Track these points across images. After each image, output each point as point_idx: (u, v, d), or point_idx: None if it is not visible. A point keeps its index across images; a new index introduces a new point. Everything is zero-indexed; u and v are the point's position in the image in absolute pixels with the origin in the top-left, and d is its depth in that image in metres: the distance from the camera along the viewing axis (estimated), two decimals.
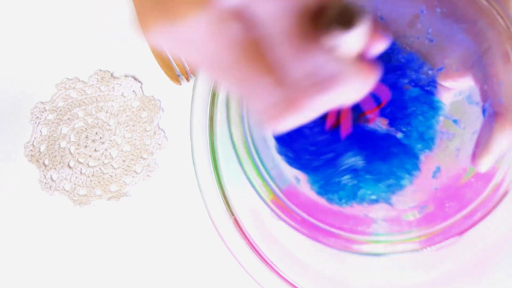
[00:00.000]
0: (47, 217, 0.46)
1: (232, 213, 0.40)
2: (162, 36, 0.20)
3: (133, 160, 0.46)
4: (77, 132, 0.46)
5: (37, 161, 0.46)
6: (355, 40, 0.20)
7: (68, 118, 0.47)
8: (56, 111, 0.47)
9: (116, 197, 0.46)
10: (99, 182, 0.46)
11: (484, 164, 0.30)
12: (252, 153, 0.33)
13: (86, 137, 0.46)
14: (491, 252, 0.42)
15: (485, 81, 0.29)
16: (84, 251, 0.45)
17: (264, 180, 0.33)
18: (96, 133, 0.46)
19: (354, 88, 0.21)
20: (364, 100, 0.28)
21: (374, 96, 0.30)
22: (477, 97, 0.31)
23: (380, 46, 0.22)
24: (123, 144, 0.46)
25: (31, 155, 0.46)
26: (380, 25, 0.23)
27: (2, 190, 0.46)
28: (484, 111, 0.30)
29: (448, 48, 0.32)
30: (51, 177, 0.46)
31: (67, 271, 0.45)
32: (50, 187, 0.46)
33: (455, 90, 0.32)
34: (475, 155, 0.30)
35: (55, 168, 0.46)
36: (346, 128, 0.30)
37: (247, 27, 0.20)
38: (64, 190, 0.46)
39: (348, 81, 0.21)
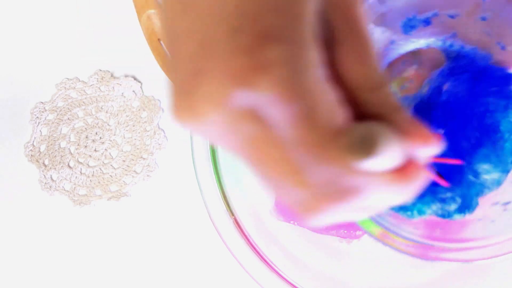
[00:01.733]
0: (47, 217, 0.46)
1: (232, 213, 0.40)
2: (190, 127, 0.20)
3: (133, 160, 0.46)
4: (77, 132, 0.46)
5: (37, 161, 0.46)
6: (382, 163, 0.18)
7: (68, 118, 0.47)
8: (56, 111, 0.47)
9: (116, 197, 0.46)
10: (99, 182, 0.46)
11: None
12: None
13: (86, 137, 0.46)
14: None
15: None
16: (84, 251, 0.45)
17: None
18: (96, 133, 0.46)
19: (386, 196, 0.20)
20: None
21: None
22: None
23: (430, 151, 0.20)
24: (123, 144, 0.46)
25: (31, 155, 0.46)
26: (431, 127, 0.21)
27: (2, 190, 0.46)
28: None
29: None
30: (51, 177, 0.46)
31: (67, 271, 0.45)
32: (50, 187, 0.46)
33: None
34: None
35: (55, 168, 0.46)
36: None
37: (265, 127, 0.19)
38: (64, 190, 0.46)
39: (375, 193, 0.19)
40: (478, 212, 0.32)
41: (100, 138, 0.46)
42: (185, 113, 0.19)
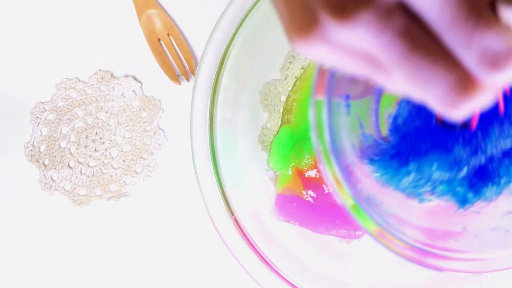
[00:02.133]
0: (47, 217, 0.46)
1: (232, 213, 0.40)
2: (316, 47, 0.19)
3: (133, 160, 0.46)
4: (77, 132, 0.46)
5: (37, 161, 0.46)
6: None
7: (68, 118, 0.47)
8: (56, 111, 0.47)
9: (116, 197, 0.46)
10: (99, 182, 0.46)
11: None
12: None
13: (86, 137, 0.46)
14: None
15: None
16: (84, 251, 0.45)
17: None
18: (96, 133, 0.46)
19: None
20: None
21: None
22: None
23: None
24: (123, 144, 0.46)
25: (31, 155, 0.46)
26: None
27: (2, 190, 0.46)
28: None
29: None
30: (51, 177, 0.46)
31: (67, 271, 0.45)
32: (50, 187, 0.46)
33: None
34: None
35: (55, 168, 0.46)
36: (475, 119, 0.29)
37: (413, 18, 0.19)
38: (64, 190, 0.46)
39: None
40: (490, 223, 0.32)
41: (100, 138, 0.46)
42: (327, 22, 0.19)
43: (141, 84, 0.47)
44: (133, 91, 0.47)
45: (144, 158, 0.46)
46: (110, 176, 0.46)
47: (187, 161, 0.43)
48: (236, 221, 0.40)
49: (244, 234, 0.40)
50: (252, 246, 0.40)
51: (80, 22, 0.47)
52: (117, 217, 0.45)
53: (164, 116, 0.46)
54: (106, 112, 0.47)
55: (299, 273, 0.41)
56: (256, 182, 0.43)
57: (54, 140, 0.46)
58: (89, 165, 0.46)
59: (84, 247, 0.45)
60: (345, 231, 0.42)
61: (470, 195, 0.32)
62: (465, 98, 0.20)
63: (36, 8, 0.48)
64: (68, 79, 0.47)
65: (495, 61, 0.19)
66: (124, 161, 0.46)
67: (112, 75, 0.47)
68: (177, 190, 0.45)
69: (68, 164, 0.46)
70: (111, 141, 0.46)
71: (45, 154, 0.46)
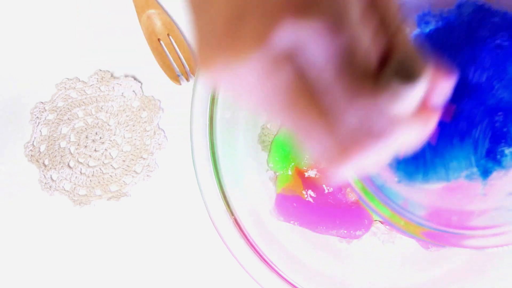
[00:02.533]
0: (47, 217, 0.46)
1: (232, 213, 0.40)
2: (219, 76, 0.20)
3: (133, 160, 0.46)
4: (77, 132, 0.46)
5: (37, 161, 0.46)
6: (417, 94, 0.19)
7: (68, 118, 0.47)
8: (56, 111, 0.47)
9: (116, 197, 0.46)
10: (99, 182, 0.46)
11: None
12: None
13: (86, 137, 0.46)
14: (491, 252, 0.42)
15: None
16: (84, 251, 0.45)
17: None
18: (96, 133, 0.46)
19: (410, 136, 0.21)
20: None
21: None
22: None
23: (445, 88, 0.21)
24: (123, 144, 0.46)
25: (31, 155, 0.46)
26: (442, 62, 0.22)
27: (2, 190, 0.46)
28: None
29: None
30: (51, 177, 0.46)
31: (67, 271, 0.45)
32: (50, 187, 0.46)
33: None
34: None
35: (55, 168, 0.46)
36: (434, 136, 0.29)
37: (300, 71, 0.19)
38: (64, 190, 0.46)
39: (404, 131, 0.20)
40: (494, 202, 0.32)
41: (100, 138, 0.46)
42: (218, 57, 0.19)
43: (141, 84, 0.47)
44: (133, 91, 0.47)
45: (144, 158, 0.46)
46: (110, 176, 0.46)
47: (187, 161, 0.43)
48: (236, 221, 0.40)
49: (244, 234, 0.40)
50: (252, 246, 0.40)
51: (80, 22, 0.47)
52: (117, 217, 0.45)
53: (164, 116, 0.46)
54: (106, 112, 0.47)
55: (299, 273, 0.41)
56: (256, 182, 0.43)
57: (54, 140, 0.46)
58: (89, 165, 0.46)
59: (84, 247, 0.45)
60: (345, 231, 0.42)
61: (490, 164, 0.32)
62: (339, 163, 0.20)
63: (36, 8, 0.48)
64: (68, 79, 0.47)
65: (373, 133, 0.20)
66: (124, 161, 0.46)
67: (112, 75, 0.47)
68: (177, 190, 0.45)
69: (68, 164, 0.46)
70: (111, 141, 0.46)
71: (45, 154, 0.46)
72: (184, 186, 0.45)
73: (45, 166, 0.46)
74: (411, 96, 0.19)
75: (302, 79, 0.20)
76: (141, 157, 0.46)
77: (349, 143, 0.20)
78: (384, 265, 0.43)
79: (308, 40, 0.19)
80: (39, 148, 0.46)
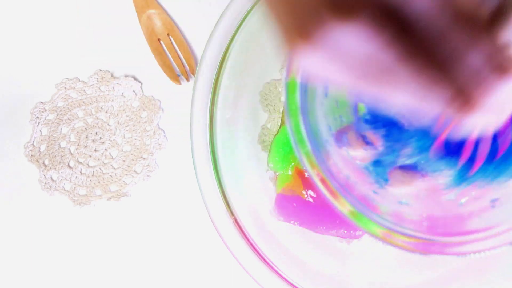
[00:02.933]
0: (47, 217, 0.46)
1: (232, 213, 0.40)
2: (313, 56, 0.19)
3: (133, 160, 0.46)
4: (77, 132, 0.46)
5: (37, 161, 0.46)
6: None
7: (68, 118, 0.47)
8: (56, 111, 0.47)
9: (116, 197, 0.46)
10: (99, 182, 0.46)
11: None
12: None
13: (86, 137, 0.46)
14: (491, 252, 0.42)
15: None
16: (84, 251, 0.45)
17: None
18: (96, 133, 0.46)
19: None
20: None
21: None
22: None
23: None
24: (123, 144, 0.46)
25: (31, 155, 0.46)
26: None
27: (2, 190, 0.46)
28: None
29: None
30: (51, 177, 0.46)
31: (67, 271, 0.45)
32: (50, 187, 0.46)
33: None
34: None
35: (55, 168, 0.46)
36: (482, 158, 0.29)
37: (406, 25, 0.19)
38: (64, 190, 0.46)
39: None
40: (477, 205, 0.32)
41: (100, 138, 0.46)
42: (324, 25, 0.18)
43: (141, 84, 0.47)
44: (133, 91, 0.47)
45: (144, 158, 0.46)
46: (110, 176, 0.46)
47: (187, 161, 0.43)
48: (236, 221, 0.40)
49: (244, 234, 0.40)
50: (252, 246, 0.40)
51: (80, 22, 0.47)
52: (117, 217, 0.45)
53: (164, 116, 0.46)
54: (106, 112, 0.47)
55: (299, 273, 0.41)
56: (256, 182, 0.43)
57: (54, 140, 0.46)
58: (89, 165, 0.46)
59: (84, 247, 0.45)
60: (345, 231, 0.42)
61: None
62: (466, 111, 0.20)
63: (36, 8, 0.48)
64: (68, 79, 0.47)
65: (503, 66, 0.19)
66: (124, 161, 0.46)
67: (112, 75, 0.47)
68: (177, 190, 0.45)
69: (68, 164, 0.46)
70: (111, 141, 0.46)
71: (45, 154, 0.46)
72: (184, 186, 0.45)
73: (45, 166, 0.46)
74: None
75: (413, 32, 0.19)
76: (141, 157, 0.46)
77: (476, 86, 0.19)
78: (384, 265, 0.43)
79: None
80: (39, 148, 0.46)
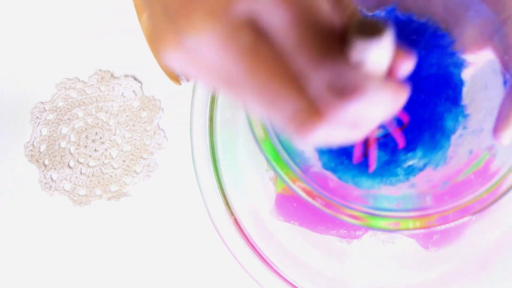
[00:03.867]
0: (47, 217, 0.46)
1: (232, 213, 0.40)
2: (174, 56, 0.20)
3: (133, 160, 0.46)
4: (77, 132, 0.46)
5: (37, 161, 0.46)
6: (380, 54, 0.19)
7: (68, 118, 0.47)
8: (56, 111, 0.47)
9: (116, 197, 0.46)
10: (99, 182, 0.46)
11: (507, 137, 0.29)
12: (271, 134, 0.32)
13: (86, 137, 0.46)
14: (491, 252, 0.42)
15: (505, 52, 0.29)
16: (84, 251, 0.45)
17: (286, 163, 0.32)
18: (96, 133, 0.46)
19: (381, 103, 0.20)
20: (388, 123, 0.27)
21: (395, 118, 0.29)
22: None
23: (407, 66, 0.21)
24: (123, 144, 0.46)
25: (31, 155, 0.46)
26: (403, 44, 0.21)
27: (2, 190, 0.46)
28: (505, 82, 0.29)
29: (465, 19, 0.30)
30: (51, 177, 0.46)
31: (67, 271, 0.45)
32: (50, 187, 0.46)
33: (475, 65, 0.31)
34: (497, 129, 0.29)
35: (55, 168, 0.46)
36: (373, 162, 0.29)
37: (262, 36, 0.19)
38: (64, 190, 0.46)
39: (374, 93, 0.20)
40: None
41: (100, 138, 0.46)
42: (171, 35, 0.19)
43: (141, 84, 0.47)
44: (133, 91, 0.47)
45: (144, 158, 0.46)
46: (110, 176, 0.46)
47: (187, 161, 0.43)
48: (236, 221, 0.40)
49: (244, 234, 0.40)
50: (252, 246, 0.40)
51: (80, 22, 0.47)
52: (117, 217, 0.45)
53: (164, 116, 0.46)
54: (106, 112, 0.47)
55: (299, 273, 0.41)
56: (256, 182, 0.43)
57: (54, 140, 0.46)
58: (89, 165, 0.46)
59: (84, 247, 0.45)
60: (345, 231, 0.42)
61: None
62: (311, 123, 0.20)
63: (36, 8, 0.48)
64: (68, 79, 0.47)
65: (341, 93, 0.19)
66: (124, 161, 0.46)
67: (112, 75, 0.47)
68: (177, 190, 0.45)
69: (68, 164, 0.46)
70: (111, 141, 0.46)
71: (45, 154, 0.46)
72: (184, 186, 0.45)
73: (45, 166, 0.46)
74: (378, 50, 0.19)
75: (265, 45, 0.19)
76: (141, 157, 0.46)
77: (321, 104, 0.19)
78: (384, 265, 0.43)
79: (264, 9, 0.19)
80: (39, 148, 0.46)
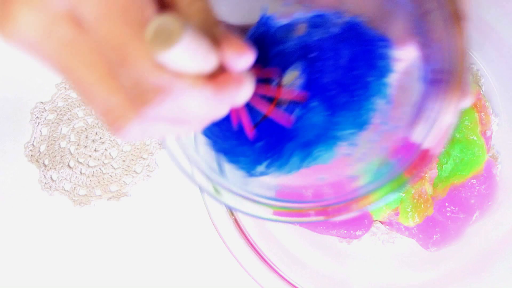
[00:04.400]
0: (47, 217, 0.46)
1: (232, 213, 0.40)
2: (8, 38, 0.20)
3: (133, 160, 0.46)
4: (77, 132, 0.46)
5: (37, 161, 0.46)
6: (179, 58, 0.19)
7: (68, 118, 0.47)
8: (56, 111, 0.47)
9: (116, 197, 0.46)
10: (99, 182, 0.46)
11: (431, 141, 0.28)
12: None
13: (86, 137, 0.46)
14: (491, 252, 0.42)
15: (426, 46, 0.28)
16: (84, 251, 0.45)
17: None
18: (96, 133, 0.46)
19: (200, 100, 0.20)
20: (255, 102, 0.26)
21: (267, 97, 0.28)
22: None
23: (245, 60, 0.21)
24: (123, 144, 0.46)
25: (31, 155, 0.46)
26: (240, 37, 0.21)
27: (2, 190, 0.46)
28: (425, 78, 0.29)
29: (392, 14, 0.30)
30: (51, 177, 0.46)
31: (67, 271, 0.45)
32: (50, 187, 0.46)
33: (404, 62, 0.30)
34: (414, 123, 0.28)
35: (55, 168, 0.46)
36: (248, 128, 0.29)
37: (81, 30, 0.19)
38: (64, 190, 0.46)
39: (183, 95, 0.20)
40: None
41: (100, 138, 0.46)
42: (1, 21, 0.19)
43: None
44: None
45: (144, 158, 0.46)
46: (110, 176, 0.46)
47: (187, 161, 0.43)
48: (236, 221, 0.40)
49: (244, 234, 0.40)
50: (252, 246, 0.40)
51: None
52: (117, 217, 0.45)
53: None
54: None
55: (299, 273, 0.41)
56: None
57: (54, 140, 0.46)
58: (89, 165, 0.46)
59: (84, 247, 0.45)
60: (345, 231, 0.42)
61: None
62: (123, 122, 0.20)
63: None
64: None
65: (144, 94, 0.20)
66: (124, 161, 0.46)
67: None
68: (177, 190, 0.45)
69: (68, 164, 0.46)
70: (111, 141, 0.46)
71: (45, 154, 0.46)
72: (184, 186, 0.45)
73: (45, 166, 0.46)
74: (175, 57, 0.18)
75: (85, 40, 0.19)
76: (141, 157, 0.46)
77: (129, 102, 0.20)
78: (384, 265, 0.43)
79: (80, 2, 0.19)
80: (39, 148, 0.46)
